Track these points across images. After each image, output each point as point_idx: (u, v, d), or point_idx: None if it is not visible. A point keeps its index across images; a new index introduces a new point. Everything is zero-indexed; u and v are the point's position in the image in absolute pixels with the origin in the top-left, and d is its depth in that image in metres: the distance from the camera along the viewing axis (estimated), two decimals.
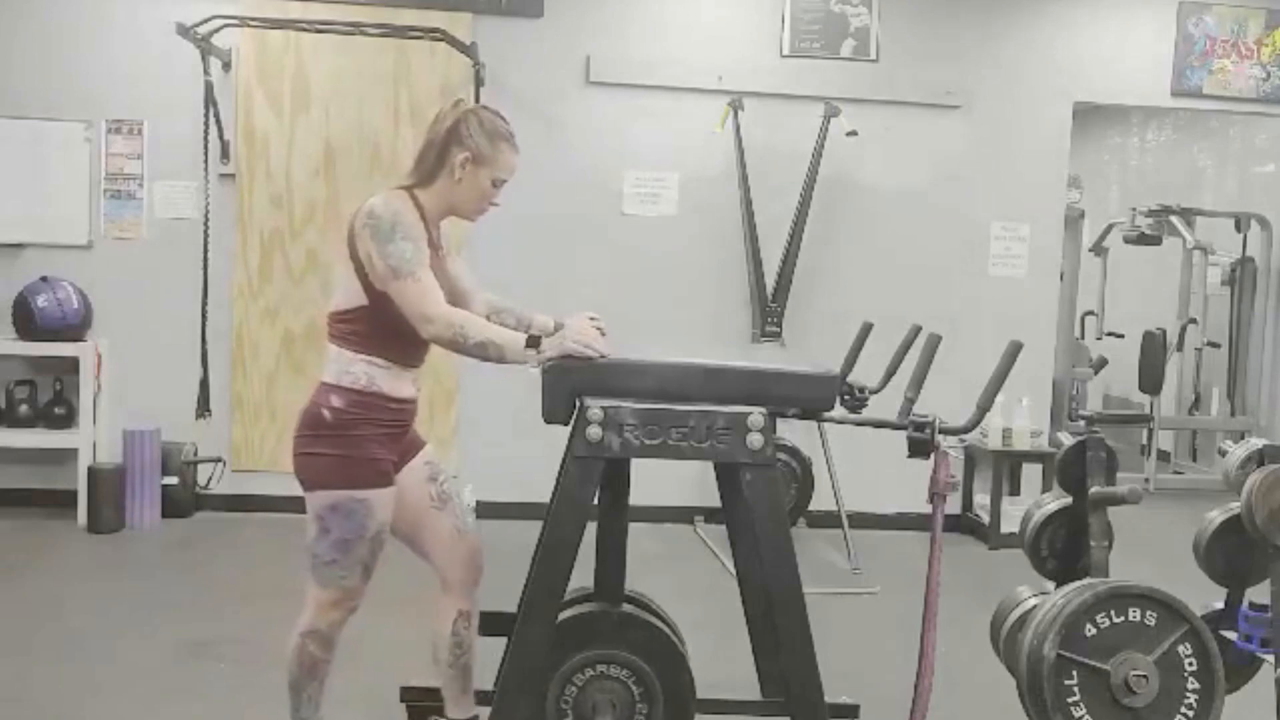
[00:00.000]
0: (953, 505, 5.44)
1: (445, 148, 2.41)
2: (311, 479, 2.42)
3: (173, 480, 5.11)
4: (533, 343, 2.29)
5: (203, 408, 5.18)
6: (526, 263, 5.23)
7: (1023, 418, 5.48)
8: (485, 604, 2.92)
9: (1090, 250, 8.06)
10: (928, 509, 2.38)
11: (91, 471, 4.97)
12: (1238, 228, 7.31)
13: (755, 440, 2.26)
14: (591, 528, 2.40)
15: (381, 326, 2.34)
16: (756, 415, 2.26)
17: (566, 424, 2.31)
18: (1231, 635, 2.74)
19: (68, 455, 5.07)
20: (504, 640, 2.60)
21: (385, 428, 2.41)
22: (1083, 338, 8.06)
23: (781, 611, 2.31)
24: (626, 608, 2.67)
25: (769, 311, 5.35)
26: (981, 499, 5.60)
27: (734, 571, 2.94)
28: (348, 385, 2.37)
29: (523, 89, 5.38)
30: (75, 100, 5.21)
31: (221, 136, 5.19)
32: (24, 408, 5.15)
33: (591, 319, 2.41)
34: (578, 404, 2.30)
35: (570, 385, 2.31)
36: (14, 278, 5.10)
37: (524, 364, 2.30)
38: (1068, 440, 2.86)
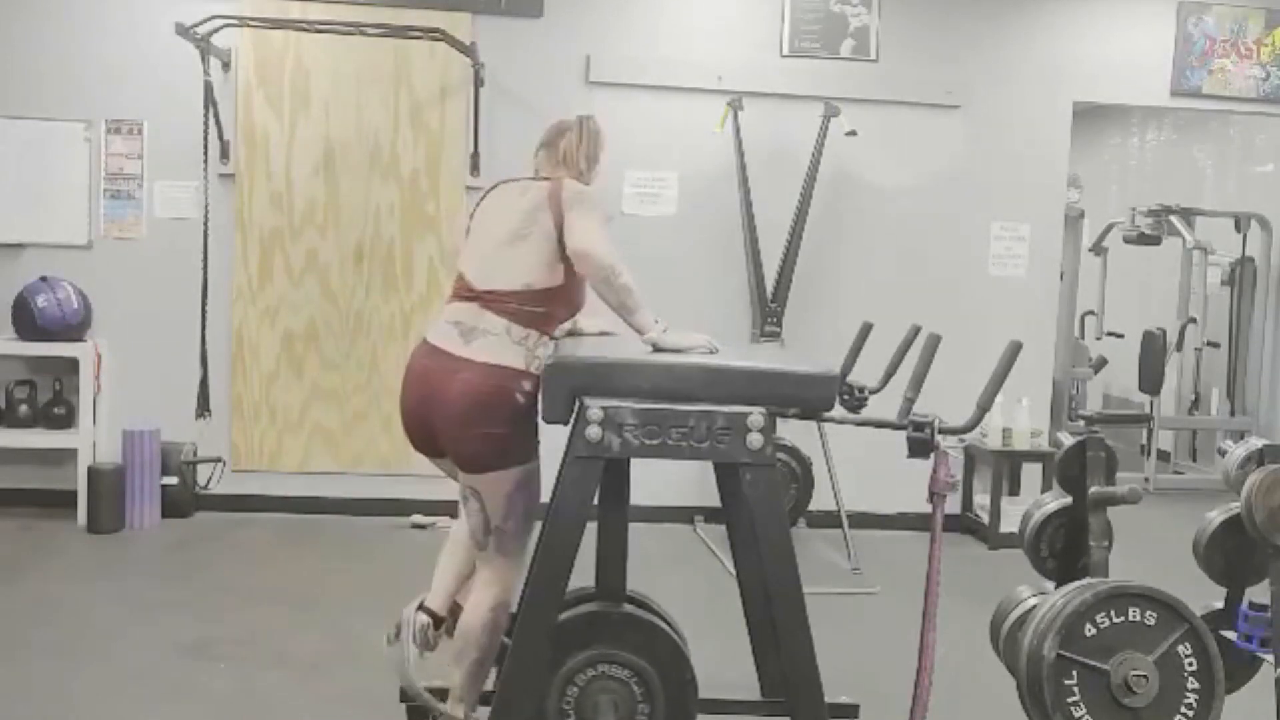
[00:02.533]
0: (953, 505, 5.44)
1: (597, 152, 2.66)
2: (498, 460, 2.45)
3: (172, 480, 5.11)
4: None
5: (202, 408, 5.18)
6: None
7: (1023, 418, 5.48)
8: None
9: (1090, 250, 8.06)
10: (928, 509, 2.38)
11: (91, 471, 4.97)
12: (1237, 228, 7.31)
13: (755, 440, 2.26)
14: (591, 527, 2.40)
15: (566, 305, 2.52)
16: (756, 415, 2.26)
17: (566, 424, 2.31)
18: (1231, 635, 2.74)
19: (67, 455, 5.07)
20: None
21: None
22: (1083, 338, 8.06)
23: (781, 611, 2.31)
24: (628, 607, 2.67)
25: (769, 311, 5.35)
26: (981, 499, 5.60)
27: (734, 571, 2.94)
28: (536, 371, 2.43)
29: (522, 89, 5.38)
30: (75, 100, 5.21)
31: (221, 136, 5.19)
32: (24, 408, 5.14)
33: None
34: (578, 404, 2.30)
35: (570, 385, 2.31)
36: (14, 278, 5.10)
37: (643, 332, 2.43)
38: (1068, 440, 2.86)
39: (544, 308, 2.47)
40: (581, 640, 2.54)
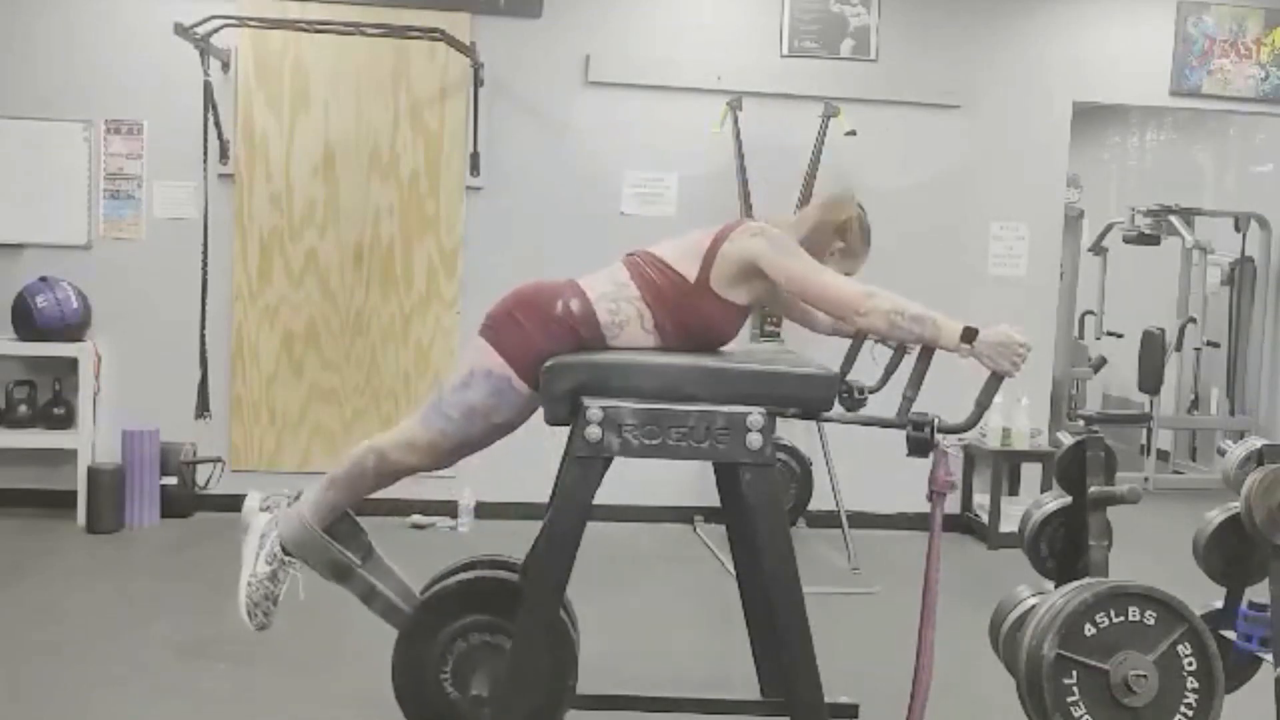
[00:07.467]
0: (952, 505, 5.43)
1: (833, 235, 2.75)
2: (493, 328, 2.46)
3: (172, 480, 5.11)
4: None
5: (202, 408, 5.17)
6: (525, 263, 5.21)
7: (1022, 417, 5.48)
8: None
9: (1090, 250, 8.06)
10: (928, 508, 2.38)
11: (91, 472, 4.97)
12: (1237, 227, 7.31)
13: (755, 440, 2.26)
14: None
15: (681, 304, 2.47)
16: (756, 415, 2.26)
17: (568, 424, 2.31)
18: (1231, 635, 2.74)
19: (67, 455, 5.07)
20: None
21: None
22: (1082, 337, 8.06)
23: (781, 611, 2.31)
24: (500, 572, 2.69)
25: (768, 311, 5.34)
26: (981, 499, 5.60)
27: (734, 571, 2.94)
28: (603, 310, 2.44)
29: (522, 89, 5.38)
30: (74, 100, 5.20)
31: (221, 136, 5.19)
32: (23, 408, 5.14)
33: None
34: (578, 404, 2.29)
35: (570, 385, 2.31)
36: (13, 278, 5.09)
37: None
38: (1067, 440, 2.87)
39: (666, 279, 2.52)
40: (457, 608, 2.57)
